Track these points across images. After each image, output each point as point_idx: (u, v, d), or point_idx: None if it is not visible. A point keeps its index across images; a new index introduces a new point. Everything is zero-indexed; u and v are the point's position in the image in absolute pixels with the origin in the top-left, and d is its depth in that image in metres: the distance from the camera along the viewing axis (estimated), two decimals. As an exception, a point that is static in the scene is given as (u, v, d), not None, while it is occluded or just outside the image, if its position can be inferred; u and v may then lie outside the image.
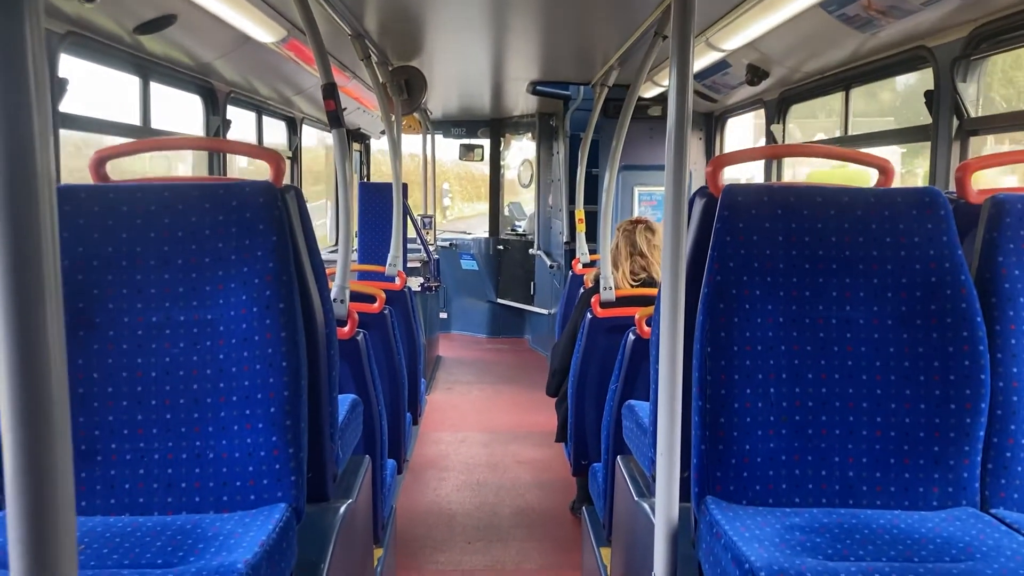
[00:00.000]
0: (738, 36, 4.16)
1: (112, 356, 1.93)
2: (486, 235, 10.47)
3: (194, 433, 1.92)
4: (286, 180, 2.20)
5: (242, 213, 1.98)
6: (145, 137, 4.02)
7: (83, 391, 1.91)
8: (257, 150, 2.43)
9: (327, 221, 9.17)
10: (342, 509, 2.29)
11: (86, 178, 2.24)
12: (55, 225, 0.88)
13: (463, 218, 15.60)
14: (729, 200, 2.01)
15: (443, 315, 9.88)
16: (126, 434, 1.92)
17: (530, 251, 9.44)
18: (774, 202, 2.00)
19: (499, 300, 10.12)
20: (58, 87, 3.03)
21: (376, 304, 3.99)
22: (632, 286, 4.05)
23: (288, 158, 6.78)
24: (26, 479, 0.87)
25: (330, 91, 3.03)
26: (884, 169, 2.17)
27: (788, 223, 1.99)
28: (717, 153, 6.69)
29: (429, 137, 9.31)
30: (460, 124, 10.26)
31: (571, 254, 6.90)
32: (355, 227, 7.10)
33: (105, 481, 1.91)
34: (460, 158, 10.77)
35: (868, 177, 2.38)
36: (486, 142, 10.37)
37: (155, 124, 4.09)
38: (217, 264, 1.96)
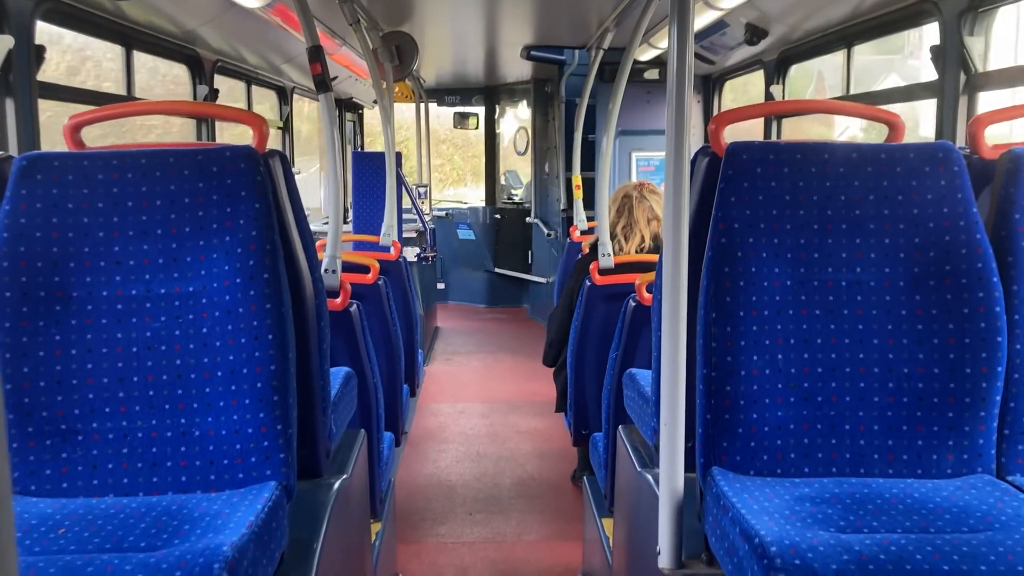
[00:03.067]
0: (737, -8, 4.04)
1: (91, 331, 1.85)
2: (482, 204, 10.38)
3: (178, 410, 1.85)
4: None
5: (223, 179, 1.89)
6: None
7: (60, 368, 1.83)
8: (238, 113, 2.34)
9: (322, 189, 9.06)
10: (336, 485, 2.23)
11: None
12: None
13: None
14: (733, 158, 1.92)
15: (440, 286, 9.81)
16: (108, 412, 1.84)
17: (527, 219, 9.35)
18: (780, 159, 1.91)
19: (496, 270, 10.05)
20: (35, 56, 2.92)
21: (370, 275, 3.90)
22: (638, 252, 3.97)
23: (279, 128, 6.66)
24: None
25: (316, 54, 2.92)
26: (893, 124, 2.08)
27: (795, 181, 1.90)
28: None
29: (423, 105, 9.18)
30: (454, 92, 10.13)
31: (568, 222, 6.82)
32: (347, 197, 7.01)
33: (87, 461, 1.83)
34: (455, 126, 10.67)
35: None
36: (481, 110, 10.25)
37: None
38: (198, 233, 1.88)
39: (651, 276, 3.27)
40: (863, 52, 4.24)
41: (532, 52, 6.90)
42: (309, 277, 2.14)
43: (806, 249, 1.89)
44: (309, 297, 2.12)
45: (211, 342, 1.84)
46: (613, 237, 3.99)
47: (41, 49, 2.96)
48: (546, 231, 8.70)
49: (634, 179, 6.81)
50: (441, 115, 11.03)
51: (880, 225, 1.89)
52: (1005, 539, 1.50)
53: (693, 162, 2.08)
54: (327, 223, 3.33)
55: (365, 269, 3.97)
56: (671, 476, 1.85)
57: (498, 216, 10.10)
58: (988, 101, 3.15)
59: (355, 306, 3.14)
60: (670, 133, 1.78)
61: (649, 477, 2.28)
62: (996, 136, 2.12)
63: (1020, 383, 1.86)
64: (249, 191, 1.88)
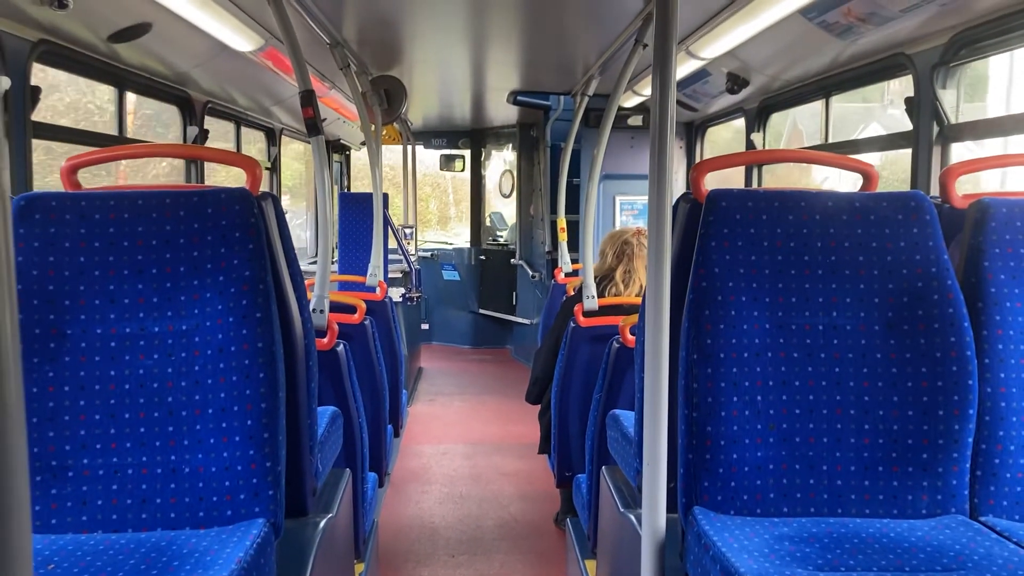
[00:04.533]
0: (718, 44, 4.16)
1: (84, 368, 1.88)
2: (468, 245, 10.44)
3: (169, 447, 1.87)
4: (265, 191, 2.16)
5: (218, 220, 1.94)
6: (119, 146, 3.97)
7: (53, 404, 1.85)
8: (232, 156, 2.39)
9: (306, 233, 9.11)
10: (322, 524, 2.24)
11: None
12: (9, 237, 0.81)
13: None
14: (714, 205, 1.98)
15: (425, 326, 9.83)
16: (99, 448, 1.86)
17: (512, 261, 9.41)
18: (759, 207, 1.98)
19: (481, 310, 10.08)
20: (30, 96, 2.97)
21: (356, 315, 3.93)
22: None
23: (267, 168, 6.72)
24: None
25: (308, 98, 2.98)
26: (868, 174, 2.15)
27: (773, 228, 1.97)
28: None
29: (410, 147, 9.28)
30: (441, 135, 10.25)
31: (553, 264, 6.88)
32: (335, 238, 7.05)
33: (76, 497, 1.85)
34: (441, 168, 10.76)
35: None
36: (467, 152, 10.36)
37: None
38: (192, 273, 1.92)
39: (634, 318, 3.33)
40: (843, 100, 4.36)
41: (518, 97, 7.01)
42: (299, 317, 2.18)
43: (784, 293, 1.95)
44: (299, 337, 2.16)
45: (203, 380, 1.87)
46: (611, 281, 4.05)
47: (36, 90, 3.02)
48: (531, 273, 8.76)
49: (618, 222, 6.91)
50: (425, 159, 11.14)
51: (855, 271, 1.96)
52: None
53: (675, 208, 2.14)
54: (313, 263, 3.37)
55: (351, 309, 4.00)
56: (653, 516, 1.89)
57: (483, 257, 10.17)
58: (960, 152, 3.25)
59: (342, 346, 3.17)
60: (653, 180, 1.84)
61: (632, 517, 2.31)
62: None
63: (991, 425, 1.91)
64: (243, 232, 1.93)
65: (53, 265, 1.90)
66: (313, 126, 2.98)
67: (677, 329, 1.96)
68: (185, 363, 1.88)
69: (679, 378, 1.94)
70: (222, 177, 6.59)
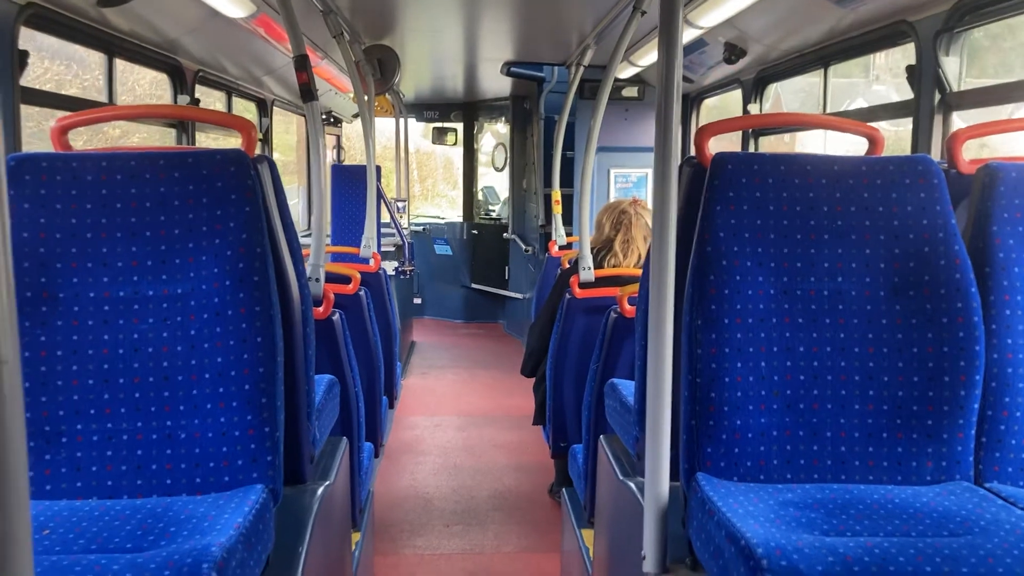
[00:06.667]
0: (716, 12, 4.10)
1: (77, 332, 1.84)
2: (460, 219, 10.39)
3: (164, 412, 1.84)
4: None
5: (213, 182, 1.89)
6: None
7: (46, 369, 1.82)
8: (227, 117, 2.34)
9: (299, 203, 9.04)
10: (320, 491, 2.22)
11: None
12: (3, 197, 0.77)
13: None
14: (719, 168, 1.95)
15: (417, 300, 9.79)
16: (92, 414, 1.83)
17: (504, 235, 9.37)
18: (764, 170, 1.95)
19: (473, 285, 10.06)
20: (18, 61, 2.91)
21: (351, 285, 3.90)
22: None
23: (259, 140, 6.65)
24: None
25: (302, 63, 2.93)
26: (873, 138, 2.12)
27: (779, 192, 1.94)
28: (692, 133, 6.66)
29: (402, 120, 9.20)
30: (433, 107, 10.16)
31: (546, 238, 6.85)
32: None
33: (71, 463, 1.82)
34: (433, 142, 10.69)
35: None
36: (459, 126, 10.29)
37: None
38: (187, 236, 1.88)
39: (632, 289, 3.31)
40: (828, 75, 4.32)
41: (512, 68, 6.95)
42: (296, 282, 2.14)
43: (789, 258, 1.92)
44: (296, 302, 2.12)
45: (199, 344, 1.84)
46: (610, 251, 4.02)
47: (24, 54, 2.95)
48: (524, 247, 8.73)
49: (612, 194, 6.87)
50: (413, 137, 11.06)
51: (861, 235, 1.93)
52: (985, 543, 1.53)
53: (678, 172, 2.11)
54: (305, 234, 3.34)
55: (346, 279, 3.96)
56: (655, 481, 1.87)
57: (475, 232, 10.12)
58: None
59: (337, 315, 3.14)
60: (658, 150, 1.80)
61: (632, 485, 2.29)
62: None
63: (997, 392, 1.90)
64: (239, 194, 1.89)
65: (44, 227, 1.85)
66: (307, 91, 2.93)
67: (679, 295, 1.93)
68: (181, 327, 1.85)
69: (683, 344, 1.92)
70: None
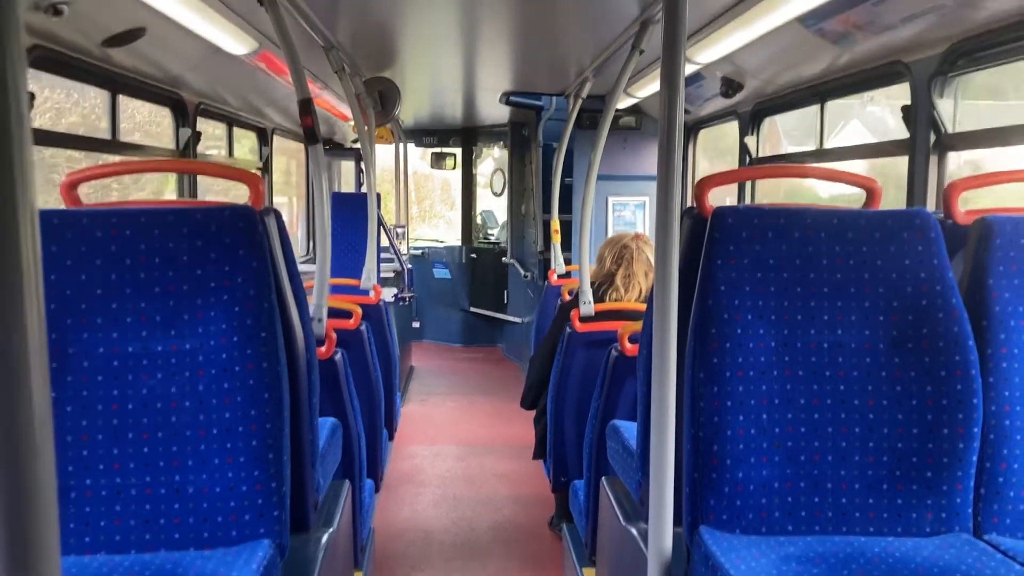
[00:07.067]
0: (713, 49, 4.15)
1: (87, 388, 1.86)
2: (459, 243, 10.42)
3: (173, 467, 1.86)
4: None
5: (221, 238, 1.92)
6: (114, 151, 3.94)
7: (55, 425, 1.84)
8: (234, 172, 2.37)
9: (298, 230, 9.06)
10: (324, 539, 2.23)
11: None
12: (37, 254, 0.79)
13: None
14: (719, 221, 1.98)
15: (416, 324, 9.80)
16: (101, 469, 1.85)
17: (503, 259, 9.40)
18: (764, 224, 1.98)
19: (472, 309, 10.07)
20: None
21: (352, 320, 3.92)
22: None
23: (258, 168, 6.69)
24: (9, 524, 0.78)
25: (307, 107, 2.96)
26: (871, 190, 2.16)
27: (779, 246, 1.97)
28: (690, 163, 6.71)
29: (401, 146, 9.25)
30: (432, 133, 10.21)
31: (545, 263, 6.87)
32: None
33: (79, 519, 1.83)
34: (431, 166, 10.73)
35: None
36: (458, 151, 10.34)
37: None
38: (196, 292, 1.90)
39: (634, 325, 3.32)
40: (825, 110, 4.36)
41: (511, 98, 6.99)
42: (301, 333, 2.17)
43: (789, 311, 1.95)
44: (301, 352, 2.15)
45: (207, 400, 1.86)
46: (611, 285, 4.05)
47: (31, 96, 2.98)
48: (522, 272, 8.75)
49: (611, 223, 6.91)
50: (411, 160, 11.10)
51: (860, 289, 1.96)
52: None
53: (679, 223, 2.14)
54: (305, 260, 3.35)
55: (347, 314, 3.98)
56: (659, 535, 1.88)
57: (474, 256, 10.15)
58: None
59: (339, 354, 3.16)
60: (661, 199, 1.82)
61: (634, 532, 2.31)
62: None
63: (995, 444, 1.92)
64: (247, 250, 1.92)
65: (55, 284, 1.88)
66: (312, 135, 2.96)
67: (681, 344, 1.96)
68: (189, 382, 1.87)
69: (685, 396, 1.94)
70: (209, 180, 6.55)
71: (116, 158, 3.96)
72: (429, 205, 22.09)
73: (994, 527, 1.93)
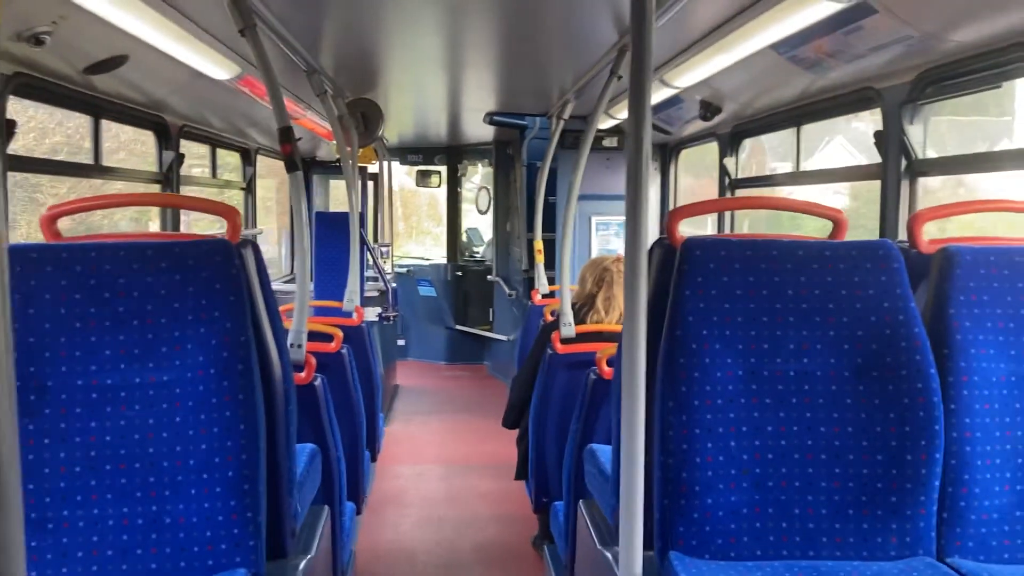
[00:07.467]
0: (691, 74, 4.22)
1: (64, 420, 1.88)
2: (444, 261, 10.45)
3: (150, 498, 1.88)
4: (241, 211, 2.18)
5: (199, 272, 1.95)
6: (95, 175, 3.96)
7: (33, 457, 1.86)
8: (211, 205, 2.40)
9: (279, 247, 9.08)
10: (301, 566, 2.25)
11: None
12: (6, 291, 0.82)
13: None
14: (688, 254, 2.03)
15: (401, 342, 9.81)
16: (79, 500, 1.87)
17: (488, 277, 9.43)
18: (732, 255, 2.02)
19: (457, 326, 10.09)
20: (5, 129, 2.97)
21: (333, 343, 3.94)
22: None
23: (242, 189, 6.71)
24: None
25: (287, 135, 2.98)
26: (837, 221, 2.21)
27: (746, 276, 2.01)
28: (672, 183, 6.77)
29: (386, 164, 9.28)
30: (416, 151, 10.26)
31: (530, 282, 6.91)
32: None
33: (57, 550, 1.85)
34: (417, 184, 10.77)
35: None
36: (443, 168, 10.38)
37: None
38: (174, 325, 1.93)
39: (612, 348, 3.36)
40: (801, 134, 4.44)
41: (495, 118, 7.05)
42: (278, 363, 2.19)
43: (756, 340, 2.00)
44: (278, 382, 2.17)
45: (184, 431, 1.88)
46: (592, 308, 4.08)
47: (12, 124, 3.01)
48: (507, 290, 8.79)
49: (594, 242, 6.96)
50: (397, 176, 11.15)
51: (825, 318, 2.01)
52: None
53: (650, 253, 2.18)
54: (289, 280, 3.37)
55: (328, 337, 4.00)
56: (629, 559, 1.91)
57: (459, 273, 10.18)
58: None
59: (319, 380, 3.18)
60: (629, 228, 1.83)
61: (609, 556, 2.34)
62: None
63: (957, 469, 1.97)
64: (224, 283, 1.95)
65: (33, 317, 1.90)
66: (291, 163, 2.98)
67: (652, 371, 2.00)
68: (166, 415, 1.89)
69: (655, 424, 1.98)
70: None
71: (99, 182, 3.99)
72: (417, 221, 22.12)
73: (956, 550, 1.97)
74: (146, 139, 4.81)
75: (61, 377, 1.90)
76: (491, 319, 9.62)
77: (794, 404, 1.98)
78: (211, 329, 1.92)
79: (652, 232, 2.21)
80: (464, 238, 10.64)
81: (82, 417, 1.89)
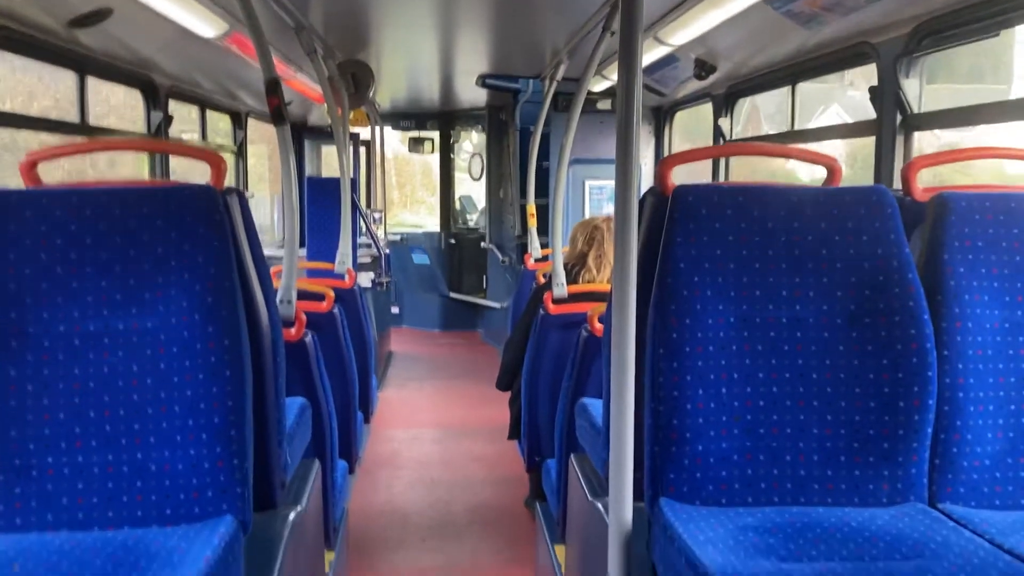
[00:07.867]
0: (685, 31, 4.17)
1: (47, 367, 1.86)
2: (437, 229, 10.41)
3: (135, 445, 1.86)
4: (232, 175, 2.15)
5: (182, 217, 1.92)
6: (82, 135, 3.90)
7: (16, 403, 1.84)
8: (196, 151, 2.37)
9: (275, 217, 9.03)
10: (291, 516, 2.25)
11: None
12: None
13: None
14: (680, 201, 2.00)
15: (395, 310, 9.79)
16: (63, 447, 1.85)
17: (482, 244, 9.40)
18: (724, 202, 2.00)
19: (451, 294, 10.07)
20: None
21: (325, 303, 3.92)
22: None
23: (233, 152, 6.65)
24: None
25: (273, 87, 2.94)
26: (831, 168, 2.18)
27: (738, 223, 1.99)
28: (666, 146, 6.73)
29: (378, 129, 9.21)
30: (409, 117, 10.17)
31: (523, 248, 6.88)
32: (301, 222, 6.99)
33: (41, 496, 1.84)
34: (409, 150, 10.69)
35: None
36: (436, 135, 10.31)
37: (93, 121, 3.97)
38: (157, 271, 1.90)
39: (603, 307, 3.35)
40: (796, 92, 4.39)
41: (487, 80, 6.98)
42: (265, 312, 2.17)
43: (748, 287, 1.97)
44: (265, 332, 2.15)
45: (168, 377, 1.86)
46: (584, 267, 4.07)
47: None
48: (501, 257, 8.76)
49: (587, 206, 6.92)
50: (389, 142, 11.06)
51: (818, 265, 1.98)
52: (934, 567, 1.59)
53: (642, 202, 2.15)
54: (280, 247, 3.34)
55: (320, 296, 3.98)
56: (619, 507, 1.91)
57: (453, 241, 10.14)
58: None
59: (310, 336, 3.16)
60: (618, 180, 1.84)
61: (600, 506, 2.33)
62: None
63: (949, 415, 1.96)
64: (208, 229, 1.91)
65: (13, 263, 1.87)
66: (279, 115, 2.95)
67: (644, 322, 1.98)
68: (150, 361, 1.87)
69: (646, 372, 1.96)
70: (187, 165, 6.52)
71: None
72: (411, 190, 22.02)
73: (948, 496, 1.96)
74: (136, 103, 4.75)
75: (43, 323, 1.87)
76: (485, 287, 9.60)
77: (786, 351, 1.97)
78: (195, 275, 1.89)
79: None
80: (457, 206, 10.59)
81: (65, 363, 1.86)
